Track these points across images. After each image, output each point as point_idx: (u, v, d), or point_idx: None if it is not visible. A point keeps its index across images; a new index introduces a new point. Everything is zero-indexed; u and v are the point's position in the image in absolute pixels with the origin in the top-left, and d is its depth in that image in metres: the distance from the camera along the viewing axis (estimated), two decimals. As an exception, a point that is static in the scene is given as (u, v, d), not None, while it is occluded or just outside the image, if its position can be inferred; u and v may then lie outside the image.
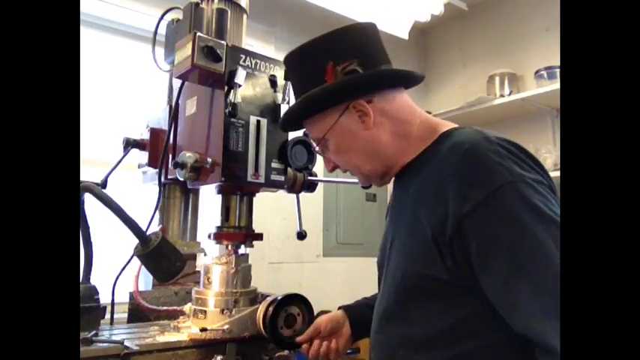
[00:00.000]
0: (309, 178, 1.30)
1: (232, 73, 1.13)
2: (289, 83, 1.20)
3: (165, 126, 1.43)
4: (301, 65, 0.92)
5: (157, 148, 1.43)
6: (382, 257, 0.97)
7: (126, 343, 1.02)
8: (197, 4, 1.26)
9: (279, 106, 1.19)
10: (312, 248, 2.66)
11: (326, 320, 1.13)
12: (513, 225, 0.70)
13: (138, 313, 1.34)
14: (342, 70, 0.86)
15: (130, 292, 1.35)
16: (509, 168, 0.73)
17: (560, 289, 0.63)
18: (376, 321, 0.92)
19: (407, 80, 0.94)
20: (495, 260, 0.71)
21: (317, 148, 0.98)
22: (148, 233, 1.14)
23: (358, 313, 1.13)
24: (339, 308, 1.16)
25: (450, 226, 0.75)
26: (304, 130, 1.03)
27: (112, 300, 1.30)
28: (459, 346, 0.77)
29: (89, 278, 1.14)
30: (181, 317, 1.23)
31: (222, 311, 1.14)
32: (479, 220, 0.72)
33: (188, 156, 1.15)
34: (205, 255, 1.50)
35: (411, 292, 0.83)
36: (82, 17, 1.99)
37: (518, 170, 0.73)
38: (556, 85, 2.34)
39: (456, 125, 0.91)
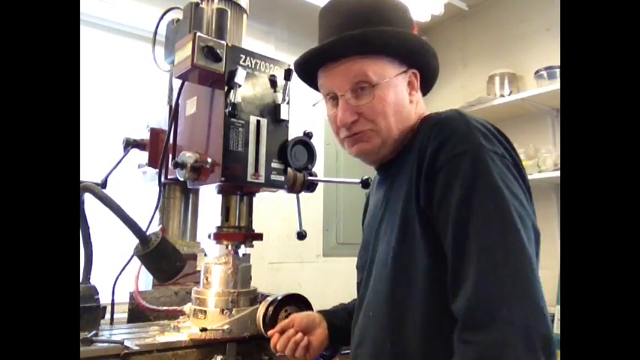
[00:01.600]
0: (309, 178, 1.30)
1: (232, 73, 1.13)
2: (289, 83, 1.20)
3: (165, 126, 1.43)
4: (390, 6, 0.93)
5: (157, 148, 1.43)
6: (363, 258, 0.97)
7: (126, 343, 1.02)
8: (197, 4, 1.26)
9: (279, 106, 1.19)
10: (312, 248, 2.66)
11: (302, 316, 1.09)
12: (465, 191, 0.73)
13: (138, 313, 1.34)
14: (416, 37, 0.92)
15: (130, 292, 1.35)
16: (474, 138, 0.76)
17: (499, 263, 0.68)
18: (362, 317, 0.91)
19: (433, 82, 1.02)
20: (445, 223, 0.75)
21: (346, 93, 0.89)
22: (148, 233, 1.14)
23: (338, 319, 1.10)
24: (318, 312, 1.13)
25: (422, 192, 0.79)
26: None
27: (112, 300, 1.30)
28: (448, 335, 0.75)
29: (89, 278, 1.14)
30: (181, 317, 1.23)
31: (222, 311, 1.14)
32: (438, 182, 0.77)
33: (188, 156, 1.15)
34: (206, 255, 1.50)
35: (393, 275, 0.83)
36: (82, 17, 1.99)
37: (482, 141, 0.76)
38: (556, 85, 2.33)
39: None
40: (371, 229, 0.97)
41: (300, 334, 1.05)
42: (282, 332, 1.06)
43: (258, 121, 1.17)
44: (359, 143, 0.92)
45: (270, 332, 1.08)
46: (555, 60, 2.43)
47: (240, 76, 1.13)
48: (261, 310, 1.15)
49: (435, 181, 0.77)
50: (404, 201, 0.84)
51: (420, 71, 0.95)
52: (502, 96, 2.63)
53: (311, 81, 1.00)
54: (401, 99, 0.91)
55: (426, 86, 1.00)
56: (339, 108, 0.90)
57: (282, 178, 1.22)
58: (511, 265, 0.68)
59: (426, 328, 0.78)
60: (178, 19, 1.36)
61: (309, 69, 0.96)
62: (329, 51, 0.89)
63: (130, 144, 1.42)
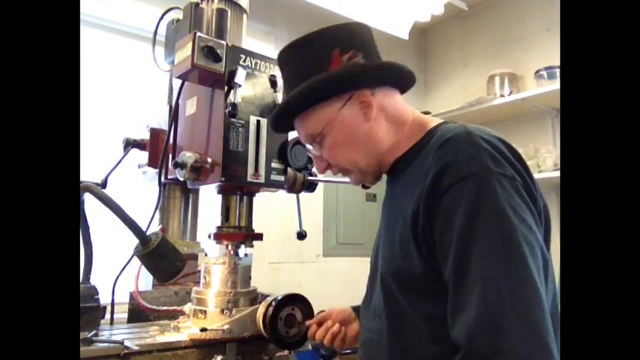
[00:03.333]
0: (309, 178, 1.30)
1: (232, 73, 1.13)
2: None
3: (165, 126, 1.43)
4: (303, 54, 0.90)
5: (157, 148, 1.43)
6: (373, 259, 0.97)
7: (126, 343, 1.02)
8: (197, 4, 1.26)
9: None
10: (312, 248, 2.66)
11: (337, 310, 1.14)
12: (469, 216, 0.70)
13: (138, 313, 1.34)
14: (348, 59, 0.86)
15: (130, 292, 1.35)
16: (481, 161, 0.73)
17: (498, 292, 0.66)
18: (368, 318, 0.92)
19: (407, 79, 0.94)
20: (448, 248, 0.72)
21: (309, 147, 0.94)
22: (148, 233, 1.14)
23: None
24: (351, 307, 1.16)
25: (421, 214, 0.76)
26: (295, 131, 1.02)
27: (112, 300, 1.30)
28: (443, 344, 0.74)
29: (89, 278, 1.14)
30: (181, 317, 1.23)
31: (222, 311, 1.14)
32: (442, 207, 0.73)
33: (188, 156, 1.15)
34: (206, 255, 1.50)
35: (391, 289, 0.82)
36: (82, 17, 1.99)
37: (489, 164, 0.73)
38: (556, 85, 2.33)
39: (442, 121, 0.92)
40: (379, 232, 0.97)
41: (337, 326, 1.10)
42: (319, 324, 1.12)
43: (258, 121, 1.17)
44: (349, 176, 0.96)
45: (307, 323, 1.14)
46: (555, 60, 2.43)
47: (240, 76, 1.13)
48: (261, 310, 1.15)
49: (438, 205, 0.74)
50: (402, 220, 0.81)
51: (376, 83, 0.89)
52: (502, 96, 2.63)
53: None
54: (354, 129, 0.88)
55: (404, 82, 0.94)
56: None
57: (282, 178, 1.22)
58: (515, 295, 0.66)
59: (426, 338, 0.78)
60: (178, 19, 1.36)
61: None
62: (279, 120, 0.97)
63: (130, 144, 1.42)
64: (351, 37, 0.89)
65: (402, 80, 0.93)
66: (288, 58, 0.93)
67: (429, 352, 0.77)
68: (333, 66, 0.86)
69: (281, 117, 0.94)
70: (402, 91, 0.95)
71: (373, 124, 0.88)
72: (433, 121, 0.92)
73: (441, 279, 0.74)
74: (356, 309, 1.14)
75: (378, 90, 0.88)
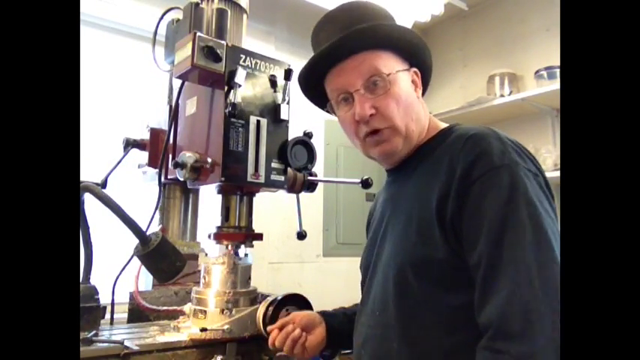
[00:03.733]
0: (309, 178, 1.30)
1: (232, 73, 1.13)
2: (289, 83, 1.20)
3: (165, 126, 1.43)
4: (386, 14, 0.96)
5: (157, 148, 1.43)
6: (368, 258, 0.97)
7: (126, 343, 1.02)
8: (197, 4, 1.26)
9: (279, 106, 1.19)
10: (312, 248, 2.66)
11: (302, 314, 1.10)
12: (502, 203, 0.74)
13: (138, 313, 1.34)
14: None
15: (130, 292, 1.35)
16: (509, 155, 0.77)
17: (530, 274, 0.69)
18: (368, 315, 0.91)
19: (428, 83, 1.03)
20: (478, 233, 0.75)
21: (359, 88, 0.89)
22: (148, 233, 1.14)
23: (337, 322, 1.10)
24: (318, 312, 1.13)
25: (451, 200, 0.78)
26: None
27: (112, 300, 1.30)
28: (456, 335, 0.77)
29: (89, 278, 1.14)
30: (181, 317, 1.23)
31: (222, 311, 1.14)
32: (473, 194, 0.76)
33: (188, 156, 1.15)
34: (207, 255, 1.50)
35: (407, 280, 0.82)
36: (82, 17, 1.99)
37: (517, 159, 0.77)
38: (556, 85, 2.33)
39: (452, 123, 0.96)
40: (377, 229, 0.97)
41: (298, 331, 1.05)
42: (281, 328, 1.07)
43: (258, 121, 1.17)
44: (381, 144, 0.91)
45: (269, 328, 1.08)
46: (555, 60, 2.43)
47: (240, 76, 1.13)
48: (261, 310, 1.15)
49: (469, 192, 0.77)
50: (421, 207, 0.83)
51: (419, 70, 0.98)
52: (502, 96, 2.63)
53: (314, 91, 1.01)
54: (411, 93, 0.93)
55: (423, 87, 1.01)
56: (355, 103, 0.89)
57: (282, 178, 1.22)
58: (545, 278, 0.69)
59: (440, 330, 0.78)
60: (178, 19, 1.36)
61: (315, 74, 0.96)
62: (340, 47, 0.88)
63: (130, 144, 1.42)
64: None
65: (427, 82, 1.02)
66: (349, 12, 0.94)
67: (441, 344, 0.78)
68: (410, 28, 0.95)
69: (347, 44, 0.88)
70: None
71: (420, 104, 0.95)
72: (442, 123, 0.98)
73: (463, 266, 0.76)
74: (324, 313, 1.12)
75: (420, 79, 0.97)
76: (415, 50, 0.95)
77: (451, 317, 0.77)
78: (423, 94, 1.00)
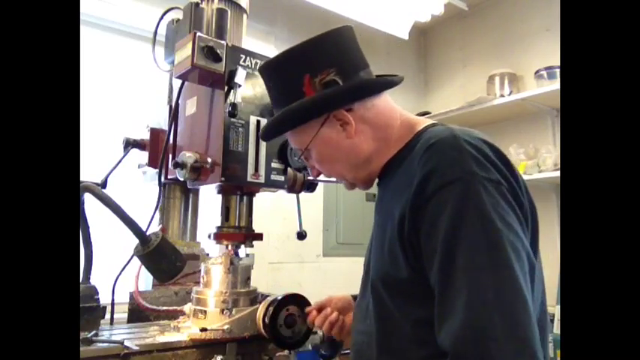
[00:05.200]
0: (309, 178, 1.30)
1: (232, 73, 1.13)
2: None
3: (165, 126, 1.43)
4: (278, 77, 0.91)
5: (157, 148, 1.43)
6: (365, 260, 0.98)
7: (126, 343, 1.02)
8: (197, 4, 1.26)
9: (279, 106, 1.19)
10: (312, 248, 2.66)
11: (338, 298, 1.14)
12: (454, 222, 0.70)
13: (138, 313, 1.34)
14: (320, 81, 0.85)
15: (130, 292, 1.35)
16: (466, 166, 0.72)
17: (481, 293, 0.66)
18: (358, 320, 0.92)
19: (386, 88, 0.91)
20: (433, 253, 0.72)
21: (300, 158, 0.96)
22: (148, 233, 1.14)
23: None
24: (352, 296, 1.15)
25: (407, 220, 0.76)
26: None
27: (112, 300, 1.30)
28: (429, 348, 0.74)
29: (89, 278, 1.14)
30: (181, 317, 1.23)
31: (222, 311, 1.14)
32: (427, 212, 0.73)
33: (188, 156, 1.15)
34: (208, 255, 1.50)
35: (380, 293, 0.83)
36: (82, 17, 1.99)
37: (474, 169, 0.72)
38: (556, 85, 2.33)
39: (431, 122, 0.91)
40: (372, 233, 0.97)
41: (335, 314, 1.10)
42: (319, 310, 1.12)
43: (258, 121, 1.17)
44: (347, 188, 0.99)
45: (307, 309, 1.14)
46: (555, 60, 2.43)
47: (240, 76, 1.13)
48: (261, 310, 1.15)
49: (424, 211, 0.74)
50: (392, 223, 0.81)
51: (351, 101, 0.87)
52: (502, 96, 2.63)
53: None
54: (339, 144, 0.88)
55: (383, 88, 0.91)
56: None
57: (282, 178, 1.22)
58: (501, 302, 0.65)
59: (416, 342, 0.77)
60: (178, 19, 1.36)
61: None
62: (263, 139, 1.01)
63: (130, 144, 1.42)
64: (321, 55, 0.86)
65: (382, 89, 0.91)
66: (265, 79, 0.95)
67: (416, 355, 0.77)
68: (306, 91, 0.85)
69: (268, 134, 0.96)
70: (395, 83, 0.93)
71: (355, 138, 0.88)
72: (422, 122, 0.91)
73: (428, 283, 0.74)
74: (355, 297, 1.14)
75: (356, 104, 0.87)
76: (325, 104, 0.86)
77: (424, 330, 0.75)
78: (384, 87, 0.91)
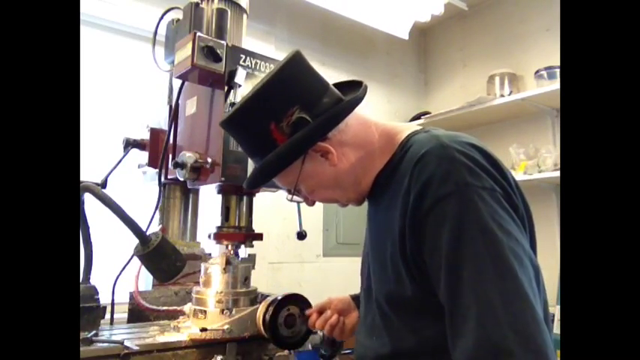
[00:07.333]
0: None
1: (232, 73, 1.13)
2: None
3: (165, 126, 1.43)
4: (244, 131, 0.89)
5: (157, 148, 1.43)
6: (365, 270, 0.97)
7: (126, 343, 1.02)
8: (197, 4, 1.26)
9: (279, 106, 1.19)
10: (312, 248, 2.66)
11: (337, 299, 1.14)
12: (455, 238, 0.70)
13: (138, 313, 1.34)
14: (287, 124, 0.83)
15: (130, 292, 1.35)
16: (459, 177, 0.72)
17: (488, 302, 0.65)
18: (363, 334, 0.92)
19: (354, 107, 0.88)
20: (439, 270, 0.71)
21: (292, 197, 0.95)
22: (148, 233, 1.14)
23: None
24: (351, 296, 1.16)
25: (407, 236, 0.75)
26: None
27: (112, 300, 1.30)
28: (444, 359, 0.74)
29: (89, 278, 1.14)
30: (181, 317, 1.23)
31: (222, 311, 1.14)
32: (427, 229, 0.73)
33: (188, 156, 1.15)
34: (209, 255, 1.50)
35: (386, 311, 0.83)
36: (82, 17, 1.99)
37: (468, 179, 0.71)
38: (556, 85, 2.33)
39: (411, 129, 0.90)
40: (366, 248, 0.97)
41: (336, 316, 1.10)
42: (319, 312, 1.13)
43: (258, 121, 1.17)
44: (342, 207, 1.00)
45: (308, 312, 1.16)
46: (555, 60, 2.43)
47: (240, 76, 1.13)
48: (261, 310, 1.15)
49: (423, 228, 0.73)
50: (390, 242, 0.81)
51: (321, 135, 0.85)
52: (502, 96, 2.63)
53: None
54: (324, 175, 0.88)
55: (353, 108, 0.88)
56: None
57: (282, 178, 1.22)
58: (512, 314, 0.65)
59: (427, 356, 0.77)
60: (178, 19, 1.36)
61: None
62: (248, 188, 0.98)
63: (130, 144, 1.42)
64: (280, 97, 0.84)
65: (351, 108, 0.88)
66: (232, 134, 0.95)
67: None
68: (277, 138, 0.84)
69: (253, 186, 0.94)
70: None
71: (339, 164, 0.87)
72: (401, 130, 0.90)
73: (435, 299, 0.73)
74: (355, 297, 1.14)
75: (332, 132, 0.86)
76: (302, 144, 0.84)
77: (436, 342, 0.74)
78: (352, 108, 0.87)
